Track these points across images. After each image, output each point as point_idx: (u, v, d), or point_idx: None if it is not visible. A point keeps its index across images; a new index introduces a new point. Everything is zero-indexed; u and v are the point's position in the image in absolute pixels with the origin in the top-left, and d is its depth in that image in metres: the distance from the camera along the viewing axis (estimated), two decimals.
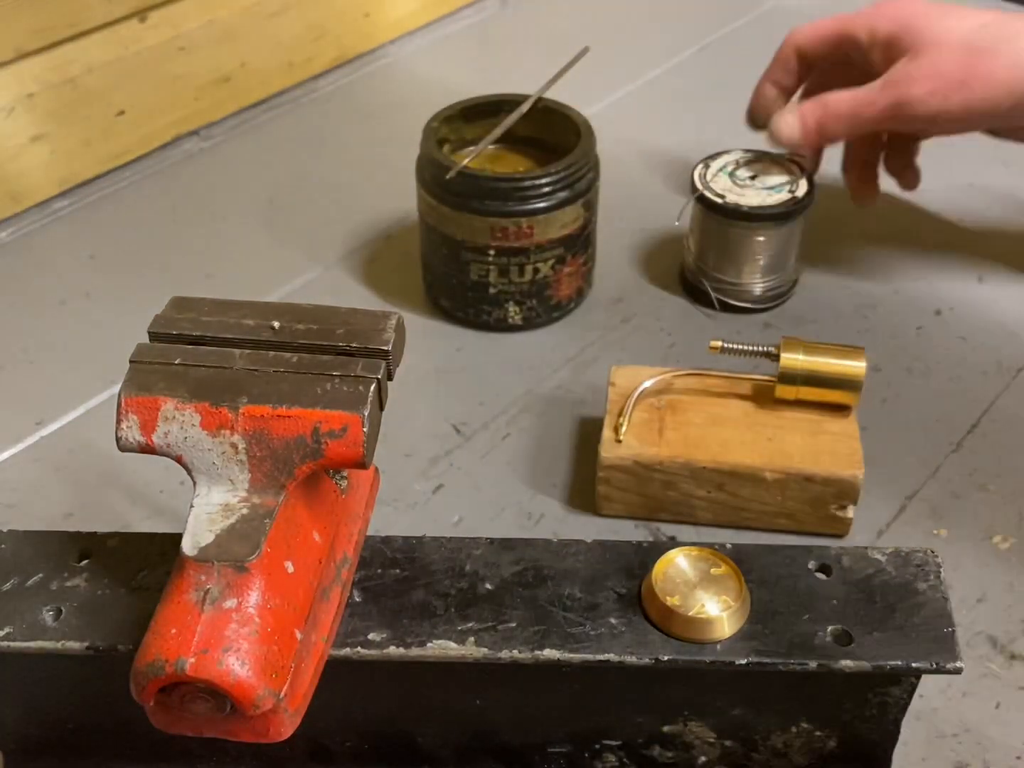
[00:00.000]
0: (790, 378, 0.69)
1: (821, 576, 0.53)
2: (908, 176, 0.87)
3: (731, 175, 0.83)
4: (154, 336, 0.48)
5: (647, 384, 0.71)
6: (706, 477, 0.68)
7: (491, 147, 0.85)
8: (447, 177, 0.77)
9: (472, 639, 0.51)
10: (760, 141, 0.84)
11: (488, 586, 0.53)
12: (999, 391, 0.79)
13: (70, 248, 0.94)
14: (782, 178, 0.82)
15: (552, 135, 0.83)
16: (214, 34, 1.03)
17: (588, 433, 0.76)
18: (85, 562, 0.53)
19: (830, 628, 0.51)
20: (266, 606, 0.45)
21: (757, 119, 0.86)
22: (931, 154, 0.87)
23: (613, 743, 0.56)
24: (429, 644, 0.51)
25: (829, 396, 0.69)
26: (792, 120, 0.79)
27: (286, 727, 0.46)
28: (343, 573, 0.51)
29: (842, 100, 0.77)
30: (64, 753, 0.58)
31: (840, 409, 0.70)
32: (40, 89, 0.93)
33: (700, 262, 0.85)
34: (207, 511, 0.45)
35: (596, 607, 0.52)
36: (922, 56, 0.74)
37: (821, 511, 0.68)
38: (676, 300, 0.88)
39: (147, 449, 0.46)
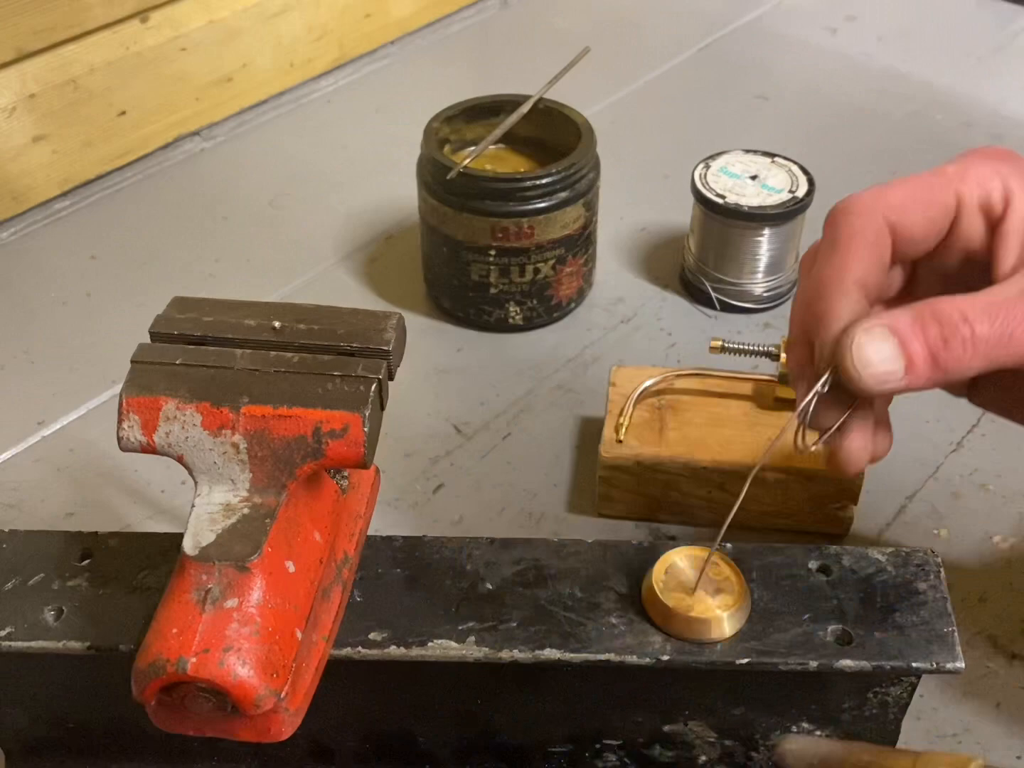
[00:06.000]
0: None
1: (821, 576, 0.53)
2: (880, 437, 0.49)
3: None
4: (155, 336, 0.49)
5: (647, 384, 0.71)
6: (706, 477, 0.68)
7: (492, 147, 0.85)
8: (448, 177, 0.77)
9: (472, 639, 0.51)
10: (759, 142, 0.83)
11: (489, 586, 0.53)
12: None
13: (71, 248, 0.94)
14: (782, 178, 0.83)
15: (552, 135, 0.84)
16: (215, 35, 1.03)
17: (589, 433, 0.76)
18: (86, 562, 0.53)
19: (830, 628, 0.51)
20: (267, 606, 0.45)
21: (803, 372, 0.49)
22: (931, 154, 0.87)
23: (614, 743, 0.56)
24: (430, 644, 0.51)
25: None
26: (886, 349, 0.44)
27: (287, 727, 0.46)
28: (344, 573, 0.51)
29: (975, 311, 0.43)
30: (65, 753, 0.58)
31: None
32: (41, 89, 0.93)
33: (700, 262, 0.85)
34: (208, 511, 0.45)
35: (596, 607, 0.52)
36: None
37: (821, 511, 0.68)
38: (676, 300, 0.88)
39: (148, 449, 0.46)
